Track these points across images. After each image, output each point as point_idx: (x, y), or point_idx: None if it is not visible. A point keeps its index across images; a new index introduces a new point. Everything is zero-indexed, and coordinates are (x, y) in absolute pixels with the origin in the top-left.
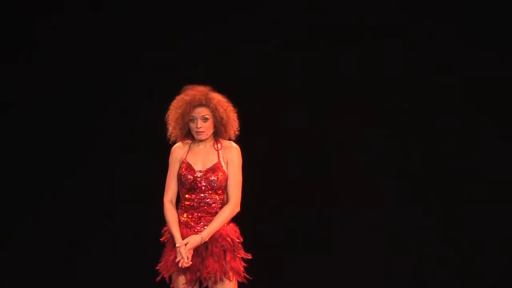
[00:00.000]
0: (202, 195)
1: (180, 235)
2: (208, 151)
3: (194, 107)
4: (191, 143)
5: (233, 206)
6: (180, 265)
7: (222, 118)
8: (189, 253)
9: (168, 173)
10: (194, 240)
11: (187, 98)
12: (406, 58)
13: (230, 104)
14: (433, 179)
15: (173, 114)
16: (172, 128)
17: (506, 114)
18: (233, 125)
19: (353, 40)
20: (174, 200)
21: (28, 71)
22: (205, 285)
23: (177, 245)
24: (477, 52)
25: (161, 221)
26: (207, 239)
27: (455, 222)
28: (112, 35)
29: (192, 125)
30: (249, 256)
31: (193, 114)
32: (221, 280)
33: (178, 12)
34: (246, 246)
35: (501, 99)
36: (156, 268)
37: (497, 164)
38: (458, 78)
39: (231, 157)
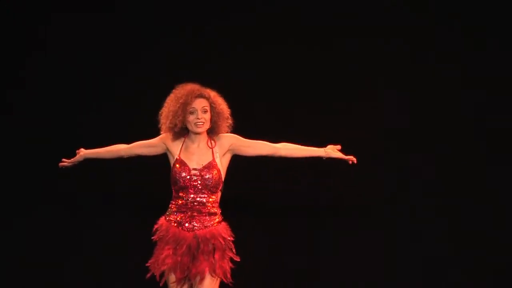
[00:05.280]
0: (195, 194)
1: (96, 152)
2: (202, 150)
3: (195, 97)
4: (185, 140)
5: (279, 145)
6: None
7: (219, 111)
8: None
9: (144, 140)
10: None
11: (186, 90)
12: (406, 58)
13: (223, 99)
14: (434, 178)
15: (173, 106)
16: (169, 122)
17: (506, 114)
18: (228, 119)
19: (353, 40)
20: (124, 148)
21: (29, 70)
22: (192, 282)
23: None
24: (478, 51)
25: (155, 219)
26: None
27: (455, 222)
28: (112, 35)
29: (191, 117)
30: (237, 259)
31: (193, 106)
32: (207, 276)
33: (178, 11)
34: (237, 248)
35: (501, 98)
36: (147, 265)
37: (497, 164)
38: (458, 78)
39: (232, 140)
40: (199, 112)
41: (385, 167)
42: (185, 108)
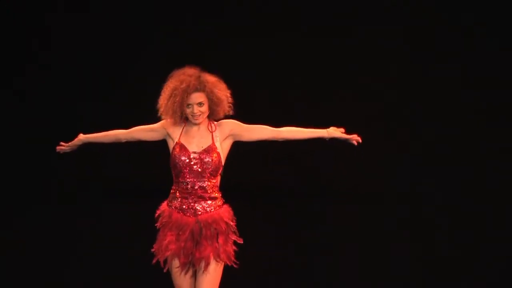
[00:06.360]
0: (195, 178)
1: (95, 137)
2: (202, 133)
3: (190, 93)
4: (185, 125)
5: (278, 129)
6: None
7: (217, 100)
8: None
9: (145, 125)
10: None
11: (183, 86)
12: (406, 58)
13: (223, 83)
14: (434, 178)
15: (171, 102)
16: (169, 117)
17: (506, 114)
18: (227, 102)
19: (353, 36)
20: (123, 132)
21: (28, 71)
22: (196, 268)
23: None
24: (478, 51)
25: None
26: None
27: (455, 222)
28: (112, 35)
29: (188, 110)
30: (241, 241)
31: (189, 102)
32: (212, 262)
33: (178, 11)
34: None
35: (501, 98)
36: (152, 250)
37: (497, 163)
38: (458, 78)
39: (232, 126)
40: (195, 106)
41: (385, 167)
42: (182, 105)
